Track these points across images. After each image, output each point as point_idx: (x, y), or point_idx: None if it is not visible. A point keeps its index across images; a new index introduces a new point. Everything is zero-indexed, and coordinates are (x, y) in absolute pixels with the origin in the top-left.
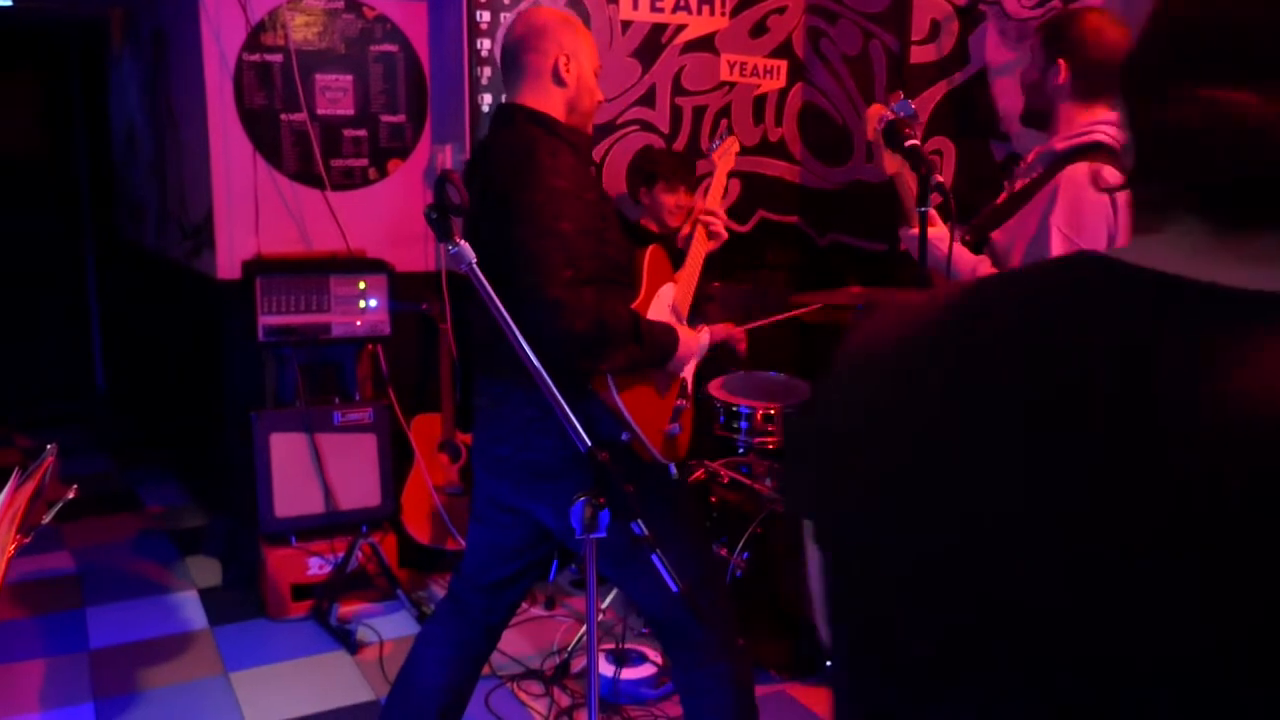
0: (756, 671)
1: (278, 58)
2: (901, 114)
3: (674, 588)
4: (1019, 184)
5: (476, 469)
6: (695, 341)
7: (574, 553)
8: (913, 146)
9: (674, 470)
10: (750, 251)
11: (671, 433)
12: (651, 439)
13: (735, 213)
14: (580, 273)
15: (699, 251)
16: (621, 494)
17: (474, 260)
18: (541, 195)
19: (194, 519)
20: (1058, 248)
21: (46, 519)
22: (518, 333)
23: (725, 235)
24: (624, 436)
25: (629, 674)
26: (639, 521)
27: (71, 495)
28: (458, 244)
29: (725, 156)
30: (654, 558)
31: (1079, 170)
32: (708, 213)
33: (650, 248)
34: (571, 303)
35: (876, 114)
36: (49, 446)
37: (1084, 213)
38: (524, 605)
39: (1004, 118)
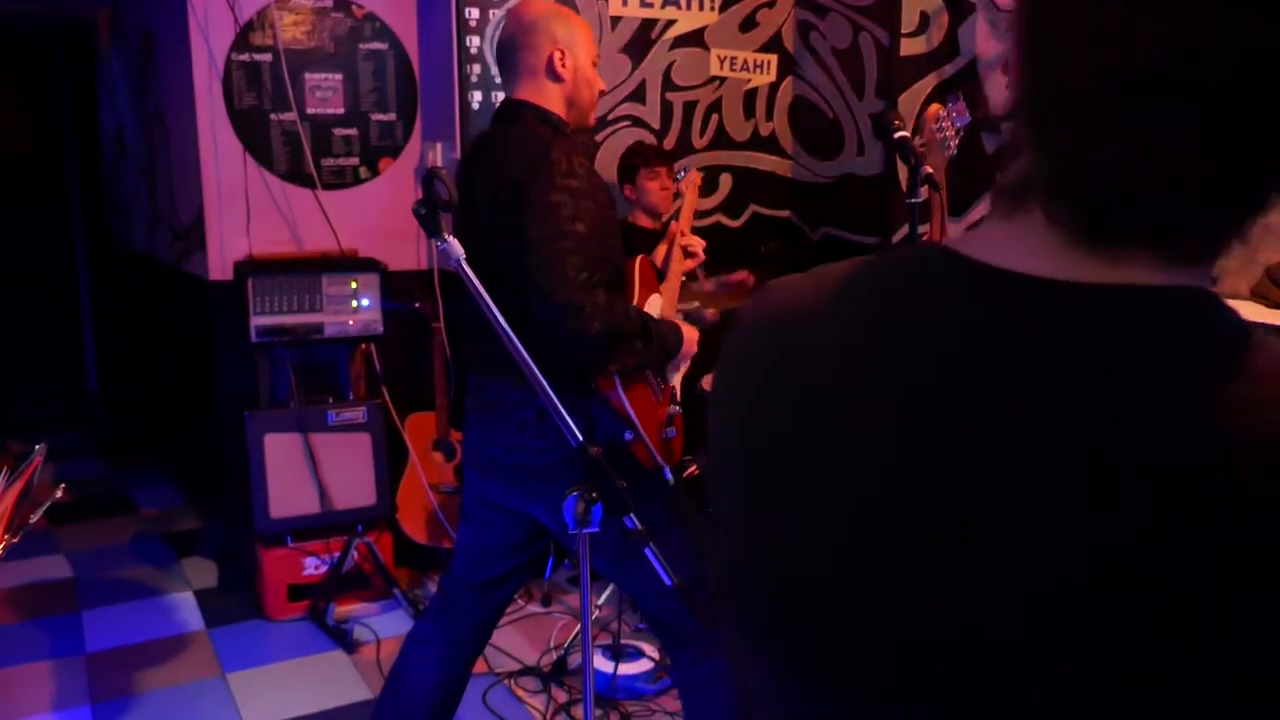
0: None
1: (267, 57)
2: (953, 112)
3: (668, 582)
4: None
5: (467, 469)
6: (695, 337)
7: (570, 551)
8: (902, 138)
9: (669, 474)
10: (742, 246)
11: (667, 436)
12: (652, 441)
13: (727, 208)
14: (594, 275)
15: (677, 270)
16: (614, 488)
17: (462, 257)
18: (558, 196)
19: (189, 521)
20: None
21: (34, 519)
22: (509, 330)
23: (702, 254)
24: (627, 436)
25: (626, 669)
26: (632, 516)
27: (59, 495)
28: (446, 240)
29: (691, 187)
30: (648, 551)
31: None
32: (682, 234)
33: (639, 258)
34: (586, 305)
35: (934, 114)
36: (37, 447)
37: None
38: (521, 602)
39: (995, 109)
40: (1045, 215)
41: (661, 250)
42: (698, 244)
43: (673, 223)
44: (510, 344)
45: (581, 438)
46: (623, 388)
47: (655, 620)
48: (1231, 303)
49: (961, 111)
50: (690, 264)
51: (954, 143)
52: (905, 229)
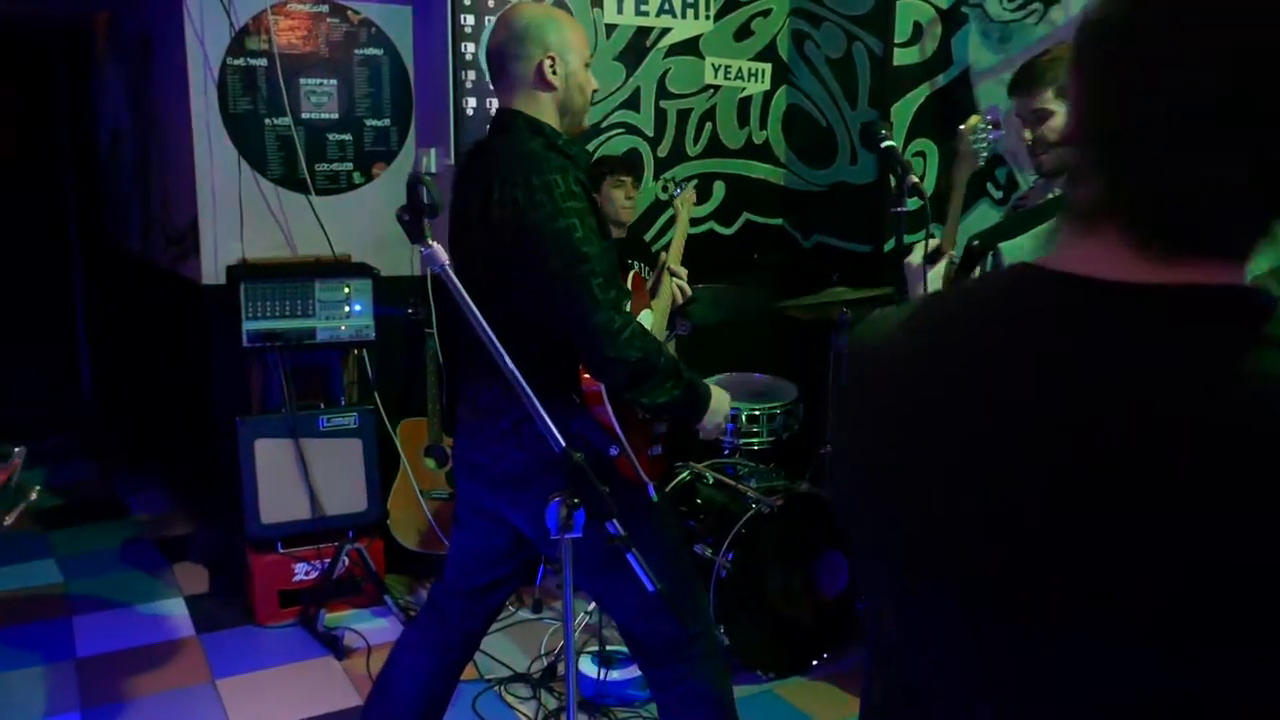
0: (744, 671)
1: (262, 62)
2: (990, 123)
3: (650, 588)
4: (1027, 200)
5: (458, 475)
6: (725, 402)
7: (553, 559)
8: (889, 147)
9: (652, 491)
10: (735, 253)
11: (653, 454)
12: (637, 457)
13: (720, 215)
14: (618, 291)
15: (667, 294)
16: (597, 494)
17: (446, 263)
18: (566, 220)
19: (181, 526)
20: None
21: (9, 520)
22: (493, 336)
23: (688, 296)
24: (612, 451)
25: (615, 675)
26: (614, 521)
27: (34, 498)
28: (430, 245)
29: (685, 207)
30: (630, 557)
31: None
32: (673, 272)
33: (632, 273)
34: (624, 330)
35: (971, 128)
36: (16, 450)
37: None
38: (511, 609)
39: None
40: (1118, 233)
41: (654, 279)
42: (685, 287)
43: (662, 253)
44: (493, 349)
45: (565, 444)
46: (610, 404)
47: (633, 640)
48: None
49: (998, 125)
50: (679, 300)
51: (985, 155)
52: (896, 237)
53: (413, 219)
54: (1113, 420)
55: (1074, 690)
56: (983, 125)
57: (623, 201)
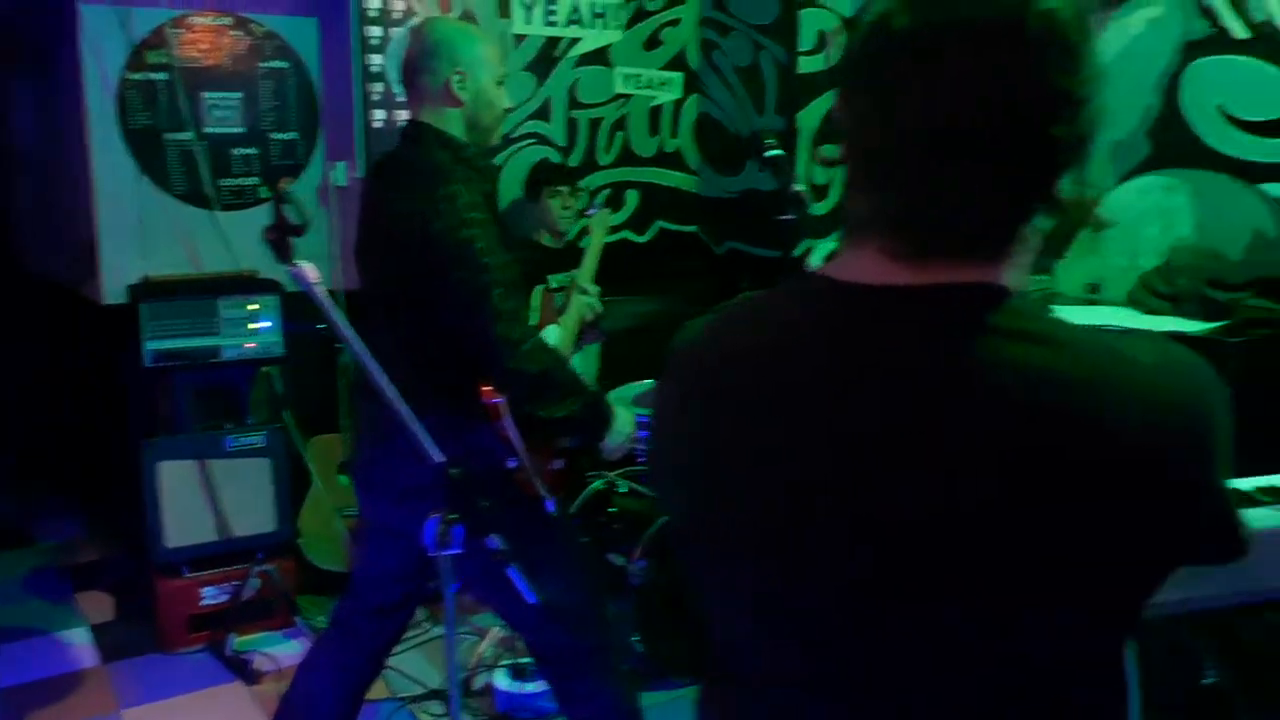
0: (662, 679)
1: (163, 75)
2: None
3: (531, 600)
4: None
5: (358, 491)
6: (629, 423)
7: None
8: (772, 157)
9: (552, 506)
10: (650, 261)
11: (554, 467)
12: (536, 470)
13: (634, 224)
14: (518, 303)
15: (576, 314)
16: (476, 509)
17: (315, 280)
18: (466, 232)
19: (88, 553)
20: None
21: None
22: (366, 351)
23: (599, 312)
24: (511, 463)
25: (528, 688)
26: (495, 537)
27: None
28: (297, 265)
29: (600, 227)
30: (510, 571)
31: None
32: (584, 290)
33: (541, 289)
34: (521, 342)
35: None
36: None
37: None
38: (426, 625)
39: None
40: (880, 242)
41: (565, 298)
42: (595, 300)
43: (574, 279)
44: (368, 364)
45: (442, 458)
46: (511, 417)
47: (537, 653)
48: (1108, 308)
49: None
50: (588, 318)
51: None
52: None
53: (278, 238)
54: (876, 407)
55: (917, 681)
56: None
57: (559, 211)
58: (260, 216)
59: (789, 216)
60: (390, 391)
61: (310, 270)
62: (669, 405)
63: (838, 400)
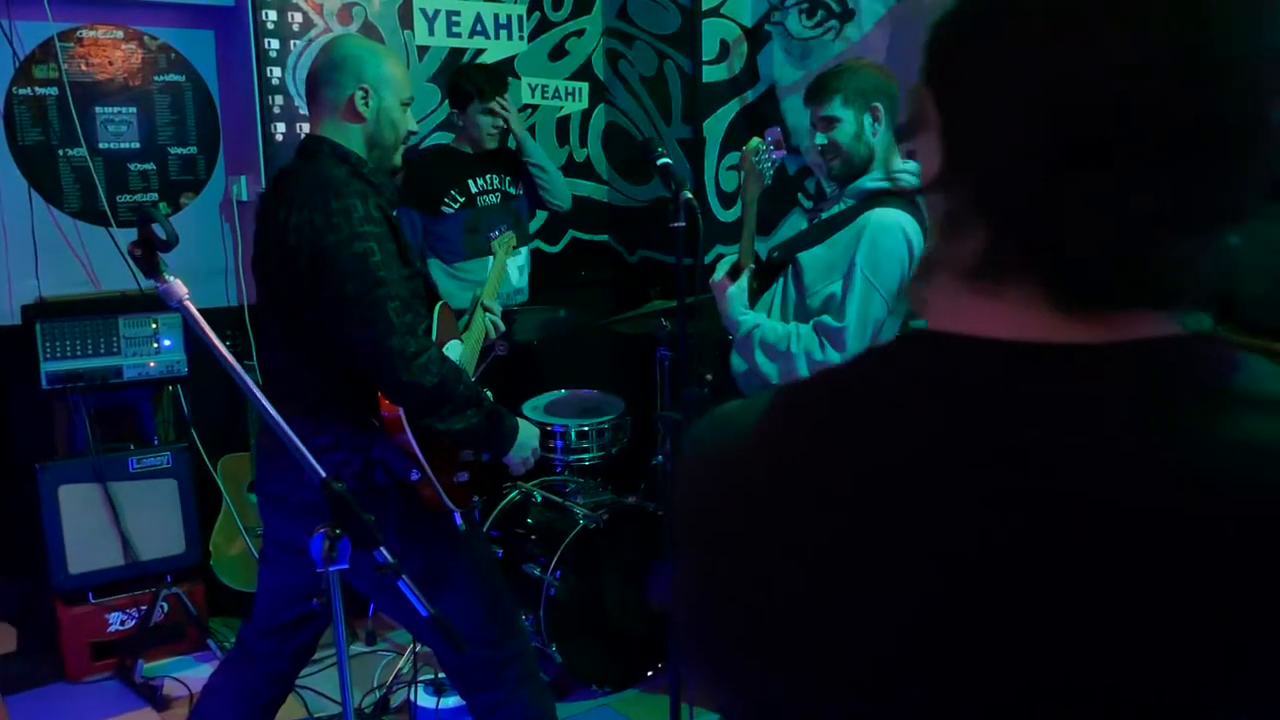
0: (580, 687)
1: (52, 90)
2: (771, 145)
3: (424, 612)
4: (824, 210)
5: (260, 508)
6: (533, 437)
7: (360, 596)
8: (663, 165)
9: (459, 519)
10: (562, 270)
11: (459, 479)
12: (441, 483)
13: (546, 233)
14: (415, 317)
15: (478, 337)
16: (361, 523)
17: (185, 297)
18: (361, 245)
19: None
20: (860, 289)
21: None
22: (240, 369)
23: (501, 330)
24: (413, 476)
25: (446, 703)
26: (383, 550)
27: None
28: (166, 281)
29: (504, 248)
30: (401, 584)
31: (886, 215)
32: (487, 308)
33: (440, 304)
34: (420, 354)
35: (755, 149)
36: None
37: (882, 260)
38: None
39: (795, 133)
40: (1026, 288)
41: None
42: (498, 318)
43: (476, 297)
44: (239, 379)
45: (325, 473)
46: (411, 429)
47: (447, 666)
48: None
49: (779, 145)
50: (491, 335)
51: (770, 173)
52: (713, 249)
53: (145, 254)
54: (1068, 512)
55: None
56: (764, 145)
57: (489, 129)
58: (159, 233)
59: (679, 224)
60: (267, 406)
61: (178, 286)
62: (729, 525)
63: (1010, 513)
